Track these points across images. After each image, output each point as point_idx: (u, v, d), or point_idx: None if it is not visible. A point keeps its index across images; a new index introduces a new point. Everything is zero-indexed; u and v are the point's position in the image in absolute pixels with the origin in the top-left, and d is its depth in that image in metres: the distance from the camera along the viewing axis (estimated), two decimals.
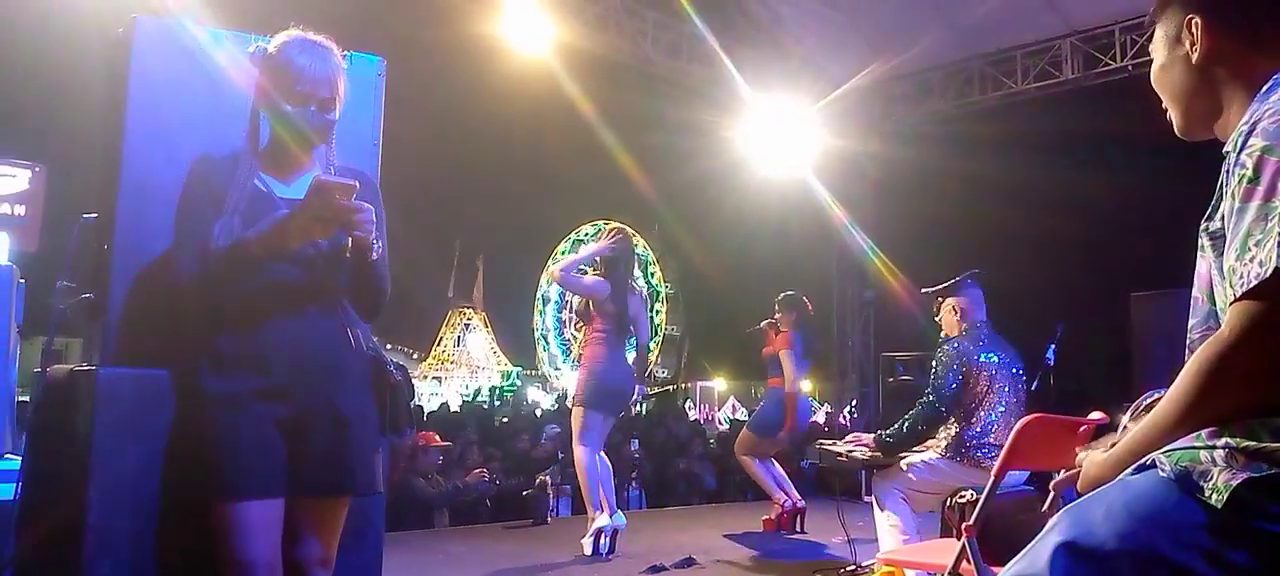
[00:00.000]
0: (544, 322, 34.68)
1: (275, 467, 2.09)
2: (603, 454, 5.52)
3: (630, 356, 5.76)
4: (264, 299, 2.12)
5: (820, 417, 14.84)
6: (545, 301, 34.69)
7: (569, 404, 5.69)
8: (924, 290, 4.59)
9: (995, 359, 4.14)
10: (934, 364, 4.22)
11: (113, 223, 2.39)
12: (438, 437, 7.59)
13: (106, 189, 2.45)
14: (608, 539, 5.27)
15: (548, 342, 34.63)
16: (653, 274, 30.31)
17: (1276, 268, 1.18)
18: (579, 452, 5.38)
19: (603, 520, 5.25)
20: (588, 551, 5.24)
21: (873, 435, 4.30)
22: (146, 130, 2.42)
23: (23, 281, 3.42)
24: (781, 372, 6.30)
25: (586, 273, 5.66)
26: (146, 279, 2.36)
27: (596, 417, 5.38)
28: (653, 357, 30.28)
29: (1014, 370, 4.20)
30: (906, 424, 4.13)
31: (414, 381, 2.59)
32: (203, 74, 2.49)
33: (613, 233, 5.73)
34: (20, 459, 2.50)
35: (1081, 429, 2.66)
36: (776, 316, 6.49)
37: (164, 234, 2.29)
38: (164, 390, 2.24)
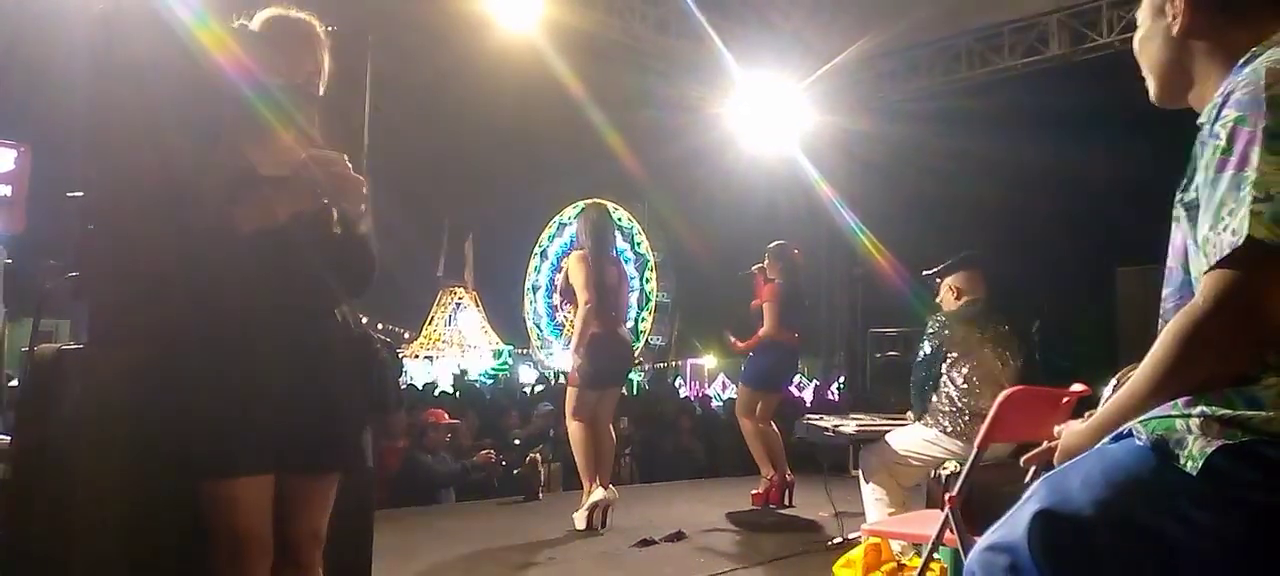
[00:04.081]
0: (536, 310, 34.61)
1: (264, 443, 2.10)
2: (611, 427, 5.55)
3: (621, 325, 5.69)
4: (250, 276, 2.12)
5: (809, 394, 14.89)
6: (534, 290, 34.58)
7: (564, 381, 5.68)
8: (924, 273, 4.63)
9: (984, 333, 4.18)
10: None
11: (97, 202, 2.38)
12: (446, 415, 7.62)
13: (91, 168, 2.44)
14: (601, 513, 5.29)
15: (541, 329, 34.57)
16: (639, 243, 30.22)
17: (1248, 236, 1.20)
18: (572, 427, 5.40)
19: (597, 494, 5.27)
20: (580, 525, 5.26)
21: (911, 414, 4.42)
22: (129, 108, 2.40)
23: (9, 261, 3.41)
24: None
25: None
26: (132, 258, 2.35)
27: (590, 395, 5.39)
28: (646, 326, 30.17)
29: (1004, 345, 4.24)
30: (914, 394, 4.28)
31: (405, 360, 2.60)
32: (185, 51, 2.47)
33: (589, 208, 5.76)
34: (8, 438, 2.50)
35: (1064, 401, 2.70)
36: (765, 265, 6.49)
37: (149, 212, 2.28)
38: (151, 368, 2.23)
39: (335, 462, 2.21)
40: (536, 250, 34.37)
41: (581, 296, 5.41)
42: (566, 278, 5.58)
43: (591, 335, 5.38)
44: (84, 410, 2.21)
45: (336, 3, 2.79)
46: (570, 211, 32.88)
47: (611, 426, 5.59)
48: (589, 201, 5.88)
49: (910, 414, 4.35)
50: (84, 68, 2.57)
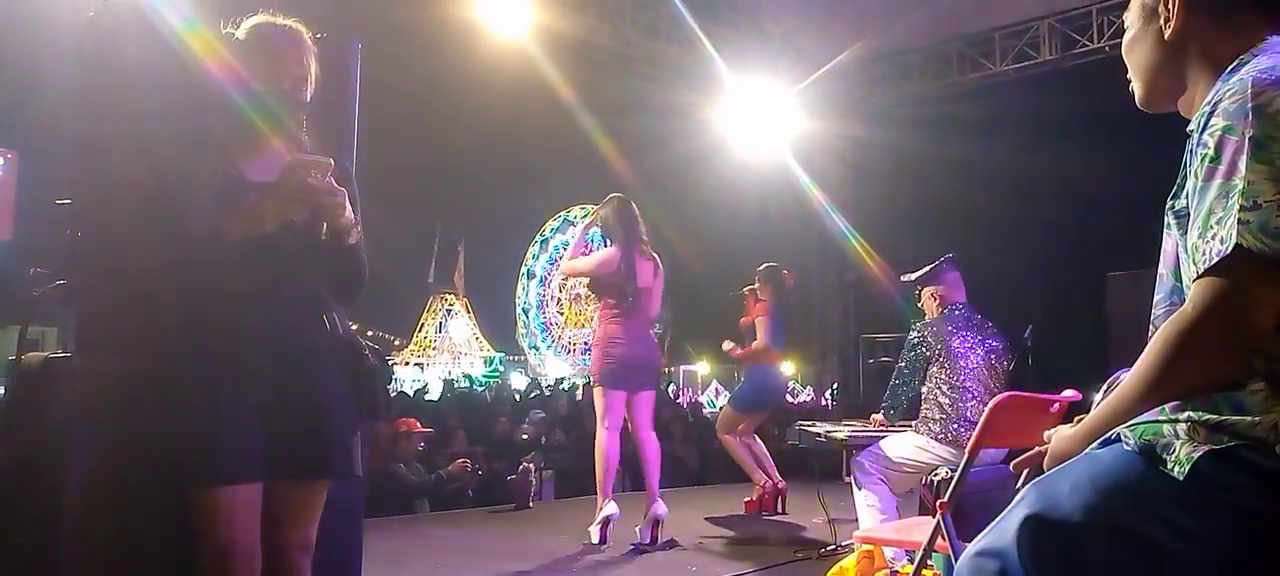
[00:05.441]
0: (526, 298, 34.60)
1: (253, 451, 2.09)
2: (653, 434, 5.31)
3: (649, 326, 5.38)
4: (239, 283, 2.12)
5: (806, 396, 14.91)
6: (529, 276, 34.61)
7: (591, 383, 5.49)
8: (903, 278, 4.64)
9: (971, 339, 4.19)
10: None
11: (85, 209, 2.38)
12: (419, 424, 7.47)
13: (78, 174, 2.43)
14: (651, 527, 5.05)
15: (527, 318, 34.60)
16: None
17: (1237, 244, 1.21)
18: (600, 435, 5.16)
19: (611, 508, 5.05)
20: (594, 539, 5.04)
21: (880, 413, 4.50)
22: (118, 115, 2.40)
23: None
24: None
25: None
26: (120, 265, 2.35)
27: (617, 397, 5.17)
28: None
29: (992, 350, 4.25)
30: (889, 399, 4.37)
31: (396, 368, 2.59)
32: (174, 57, 2.47)
33: (609, 202, 5.40)
34: None
35: (1054, 407, 2.70)
36: (756, 286, 6.51)
37: (137, 219, 2.27)
38: (139, 376, 2.23)
39: (324, 470, 2.20)
40: (537, 238, 34.38)
41: (612, 297, 5.21)
42: (597, 279, 5.33)
43: (615, 336, 5.16)
44: (72, 418, 2.20)
45: (326, 9, 2.79)
46: (577, 211, 32.91)
47: (654, 434, 5.31)
48: (616, 195, 5.52)
49: (906, 421, 4.35)
50: (72, 73, 2.56)
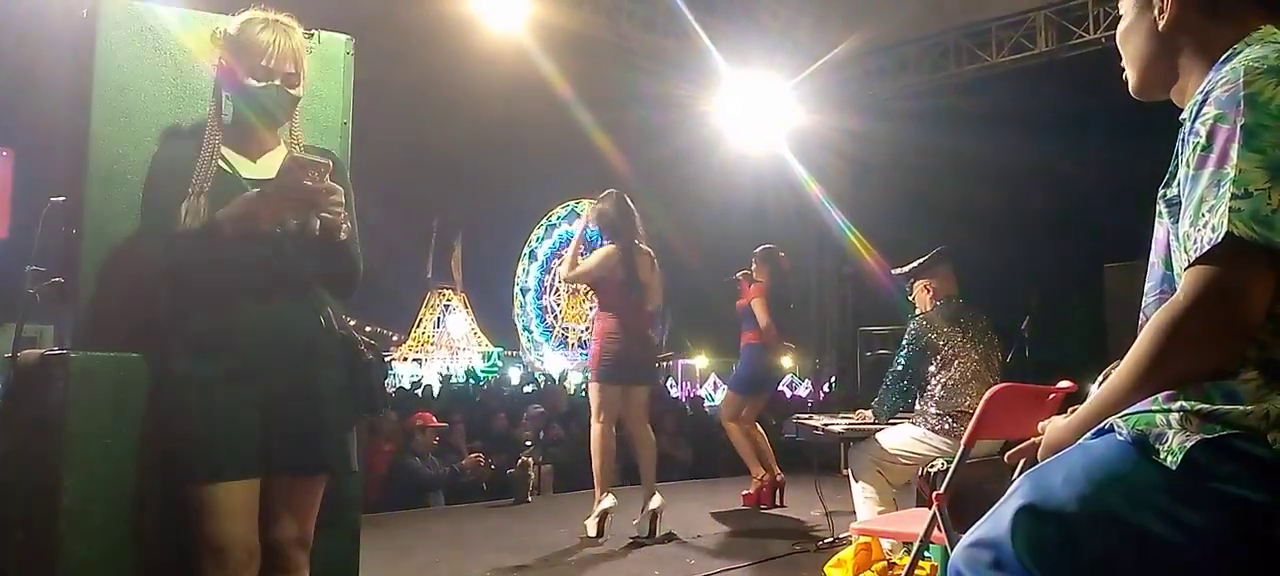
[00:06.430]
0: (525, 313, 34.53)
1: (250, 448, 2.10)
2: (649, 429, 5.35)
3: (648, 321, 5.41)
4: (234, 280, 2.12)
5: (804, 389, 14.92)
6: (524, 292, 34.53)
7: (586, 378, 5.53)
8: (894, 272, 4.65)
9: (966, 331, 4.20)
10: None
11: (81, 206, 2.37)
12: (434, 418, 7.58)
13: (74, 172, 2.43)
14: (648, 520, 5.08)
15: (531, 332, 34.52)
16: None
17: (1228, 232, 1.21)
18: (594, 428, 5.19)
19: (609, 501, 5.06)
20: (592, 532, 5.02)
21: (870, 408, 4.48)
22: (113, 112, 2.40)
23: None
24: (755, 326, 6.25)
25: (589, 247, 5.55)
26: (116, 262, 2.35)
27: (613, 392, 5.20)
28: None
29: (986, 341, 4.26)
30: (880, 395, 4.31)
31: (394, 364, 2.59)
32: (168, 54, 2.47)
33: (606, 197, 5.43)
34: None
35: (1050, 398, 2.70)
36: (752, 269, 6.49)
37: (132, 216, 2.28)
38: (136, 373, 2.23)
39: (321, 466, 2.20)
40: (525, 252, 34.33)
41: (611, 292, 5.23)
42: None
43: (611, 331, 5.18)
44: (68, 415, 2.20)
45: (319, 4, 2.79)
46: (560, 211, 32.80)
47: (649, 427, 5.36)
48: (611, 191, 5.54)
49: (902, 416, 4.36)
50: (68, 71, 2.56)
